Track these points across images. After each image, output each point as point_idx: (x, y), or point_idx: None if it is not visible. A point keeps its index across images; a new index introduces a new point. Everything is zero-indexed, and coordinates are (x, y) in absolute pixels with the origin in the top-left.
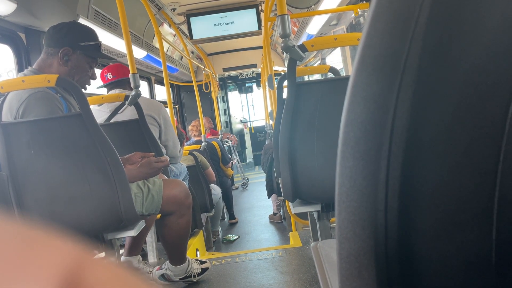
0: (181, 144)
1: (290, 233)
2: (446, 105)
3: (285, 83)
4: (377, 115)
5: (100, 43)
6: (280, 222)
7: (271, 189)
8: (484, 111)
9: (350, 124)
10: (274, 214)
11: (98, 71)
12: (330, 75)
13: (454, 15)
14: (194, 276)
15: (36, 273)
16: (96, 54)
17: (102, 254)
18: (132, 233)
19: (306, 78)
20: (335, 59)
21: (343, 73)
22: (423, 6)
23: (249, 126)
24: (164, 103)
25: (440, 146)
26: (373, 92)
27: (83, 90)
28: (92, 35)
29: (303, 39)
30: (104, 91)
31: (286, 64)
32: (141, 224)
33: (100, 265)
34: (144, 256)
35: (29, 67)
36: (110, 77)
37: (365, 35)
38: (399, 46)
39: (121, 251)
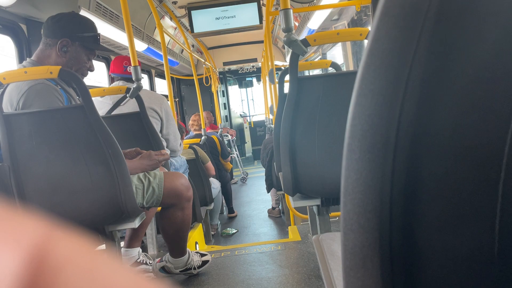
0: (181, 138)
1: (289, 227)
2: (453, 100)
3: (287, 77)
4: (384, 108)
5: (98, 35)
6: (279, 216)
7: (271, 184)
8: (490, 106)
9: (357, 117)
10: (273, 208)
11: (96, 63)
12: (331, 70)
13: (463, 10)
14: (195, 268)
15: (1, 248)
16: (94, 46)
17: (103, 246)
18: (133, 225)
19: (306, 73)
20: (336, 54)
21: (344, 68)
22: (433, 1)
23: (248, 120)
24: (165, 96)
25: (446, 140)
26: (381, 86)
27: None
28: (91, 26)
29: (304, 34)
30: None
31: (287, 59)
32: (142, 216)
33: (67, 241)
34: (144, 248)
35: (27, 58)
36: (129, 70)
37: (373, 29)
38: (407, 40)
39: (122, 243)
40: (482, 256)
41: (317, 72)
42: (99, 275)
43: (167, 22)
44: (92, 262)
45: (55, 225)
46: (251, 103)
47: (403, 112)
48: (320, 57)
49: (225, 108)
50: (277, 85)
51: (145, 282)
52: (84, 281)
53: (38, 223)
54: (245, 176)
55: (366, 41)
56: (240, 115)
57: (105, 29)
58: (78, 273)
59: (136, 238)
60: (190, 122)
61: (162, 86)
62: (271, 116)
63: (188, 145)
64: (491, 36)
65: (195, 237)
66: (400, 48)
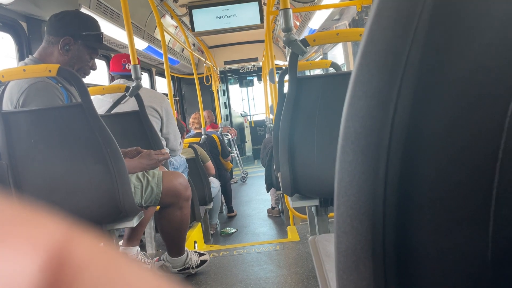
0: (181, 137)
1: (288, 227)
2: (447, 102)
3: (286, 77)
4: (377, 110)
5: (101, 34)
6: (278, 216)
7: (270, 183)
8: (484, 108)
9: (350, 119)
10: (273, 208)
11: (98, 62)
12: (332, 70)
13: (457, 11)
14: (193, 268)
15: (21, 249)
16: (97, 45)
17: (101, 245)
18: (131, 224)
19: (307, 72)
20: (337, 54)
21: (344, 69)
22: (426, 2)
23: (249, 120)
24: (165, 95)
25: (439, 143)
26: (374, 88)
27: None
28: (94, 25)
29: (305, 34)
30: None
31: (287, 59)
32: (140, 215)
33: (87, 243)
34: (143, 247)
35: (29, 56)
36: (128, 67)
37: (367, 30)
38: (401, 42)
39: (120, 242)
40: (476, 260)
41: (317, 72)
42: (119, 276)
43: (168, 20)
44: (112, 263)
45: (74, 226)
46: (252, 103)
47: (396, 114)
48: (321, 57)
49: (225, 107)
50: (277, 84)
51: (164, 282)
52: (104, 282)
53: (57, 224)
54: (245, 175)
55: None
56: (241, 114)
57: (106, 27)
58: (97, 274)
59: (134, 237)
60: (191, 120)
61: (163, 85)
62: (271, 116)
63: (188, 144)
64: (485, 38)
65: (194, 236)
66: (394, 50)
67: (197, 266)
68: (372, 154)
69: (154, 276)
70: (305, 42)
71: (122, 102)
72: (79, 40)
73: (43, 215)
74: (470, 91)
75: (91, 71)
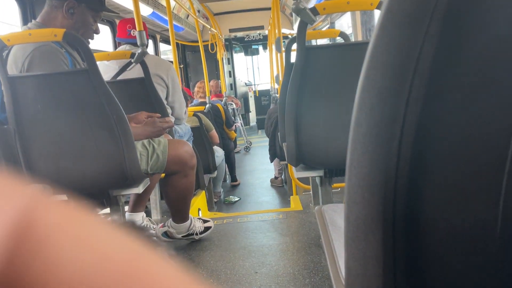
0: (186, 105)
1: (291, 196)
2: (465, 75)
3: (294, 46)
4: (394, 82)
5: None
6: (281, 186)
7: (274, 154)
8: (502, 82)
9: (366, 90)
10: (276, 178)
11: (103, 27)
12: (339, 39)
13: None
14: (197, 234)
15: None
16: (100, 7)
17: (107, 210)
18: (137, 190)
19: (313, 42)
20: (344, 23)
21: (352, 39)
22: None
23: (253, 89)
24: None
25: (455, 117)
26: (392, 59)
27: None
28: None
29: (313, 2)
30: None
31: (294, 27)
32: (146, 182)
33: (57, 208)
34: (148, 214)
35: (33, 20)
36: (134, 34)
37: (387, 0)
38: (421, 12)
39: (126, 207)
40: (484, 234)
41: (324, 41)
42: (90, 243)
43: None
44: (83, 229)
45: (46, 191)
46: (257, 72)
47: (413, 87)
48: (328, 26)
49: (230, 76)
50: (283, 54)
51: (140, 248)
52: (72, 249)
53: (27, 188)
54: (248, 145)
55: (376, 11)
56: (245, 83)
57: None
58: (66, 241)
59: (140, 203)
60: (196, 89)
61: (167, 52)
62: (276, 86)
63: (193, 112)
64: (508, 10)
65: (198, 203)
66: (414, 21)
67: (201, 233)
68: (387, 127)
69: (126, 240)
70: (314, 10)
71: (128, 69)
72: (83, 3)
73: (11, 179)
74: (489, 63)
75: (95, 35)
